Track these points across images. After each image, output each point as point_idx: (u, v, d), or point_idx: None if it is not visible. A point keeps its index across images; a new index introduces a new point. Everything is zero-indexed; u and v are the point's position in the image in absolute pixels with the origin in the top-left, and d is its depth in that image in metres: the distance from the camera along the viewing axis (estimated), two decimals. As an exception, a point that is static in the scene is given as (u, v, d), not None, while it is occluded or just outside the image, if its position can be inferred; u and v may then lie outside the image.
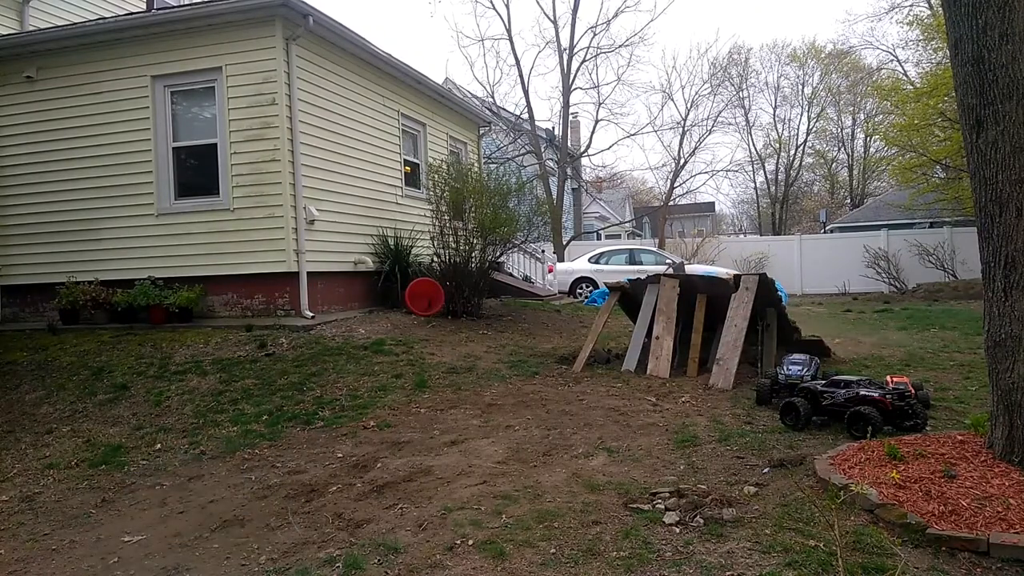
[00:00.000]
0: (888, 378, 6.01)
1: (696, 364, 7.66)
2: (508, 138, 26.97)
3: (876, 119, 36.71)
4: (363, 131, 11.11)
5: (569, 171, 28.25)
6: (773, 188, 41.87)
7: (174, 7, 12.12)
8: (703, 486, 4.29)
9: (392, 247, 11.05)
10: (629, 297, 8.93)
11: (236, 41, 9.30)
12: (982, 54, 4.12)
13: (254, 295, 9.57)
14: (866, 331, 10.98)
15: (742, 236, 39.52)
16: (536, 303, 13.61)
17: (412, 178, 12.77)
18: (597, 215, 38.01)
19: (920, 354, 8.67)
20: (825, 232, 32.95)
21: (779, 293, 8.99)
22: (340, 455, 5.42)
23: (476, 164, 15.31)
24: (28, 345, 8.84)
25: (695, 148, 31.68)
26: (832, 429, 5.36)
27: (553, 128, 29.11)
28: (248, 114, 9.25)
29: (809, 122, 40.72)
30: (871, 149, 40.59)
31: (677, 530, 3.71)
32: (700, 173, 48.83)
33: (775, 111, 40.58)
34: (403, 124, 12.45)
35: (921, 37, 24.03)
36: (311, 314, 9.32)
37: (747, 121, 39.87)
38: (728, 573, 3.23)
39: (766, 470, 4.55)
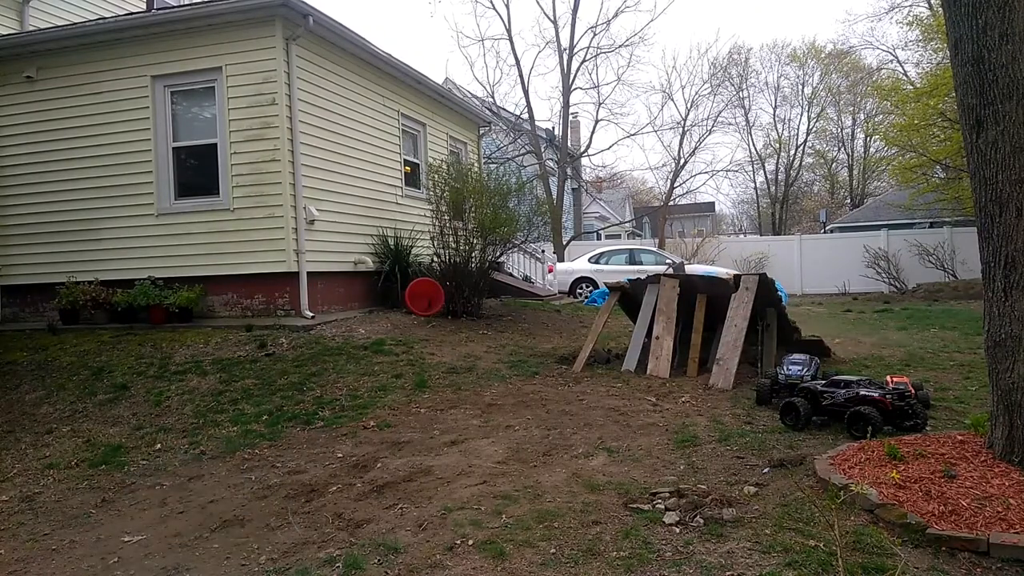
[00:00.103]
0: (888, 378, 6.01)
1: (696, 364, 7.66)
2: (508, 138, 26.97)
3: (876, 119, 36.74)
4: (363, 131, 11.11)
5: (569, 171, 28.25)
6: (773, 188, 41.87)
7: (174, 7, 12.12)
8: (703, 486, 4.29)
9: (392, 247, 11.05)
10: (629, 297, 8.93)
11: (236, 41, 9.30)
12: (982, 54, 4.11)
13: (254, 295, 9.57)
14: (866, 331, 10.98)
15: (742, 236, 39.52)
16: (536, 303, 13.61)
17: (412, 178, 12.77)
18: (597, 215, 38.02)
19: (920, 354, 8.67)
20: (825, 232, 32.96)
21: (779, 293, 8.99)
22: (340, 455, 5.42)
23: (476, 164, 15.32)
24: (28, 345, 8.84)
25: (695, 148, 31.74)
26: (832, 429, 5.36)
27: (553, 128, 29.12)
28: (248, 114, 9.25)
29: (809, 122, 40.80)
30: (871, 149, 40.61)
31: (677, 530, 3.71)
32: (700, 173, 48.93)
33: (775, 111, 40.67)
34: (403, 124, 12.45)
35: (921, 37, 24.04)
36: (311, 314, 9.33)
37: (747, 121, 39.96)
38: (728, 573, 3.23)
39: (766, 470, 4.55)
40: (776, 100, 40.42)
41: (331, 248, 10.08)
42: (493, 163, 22.05)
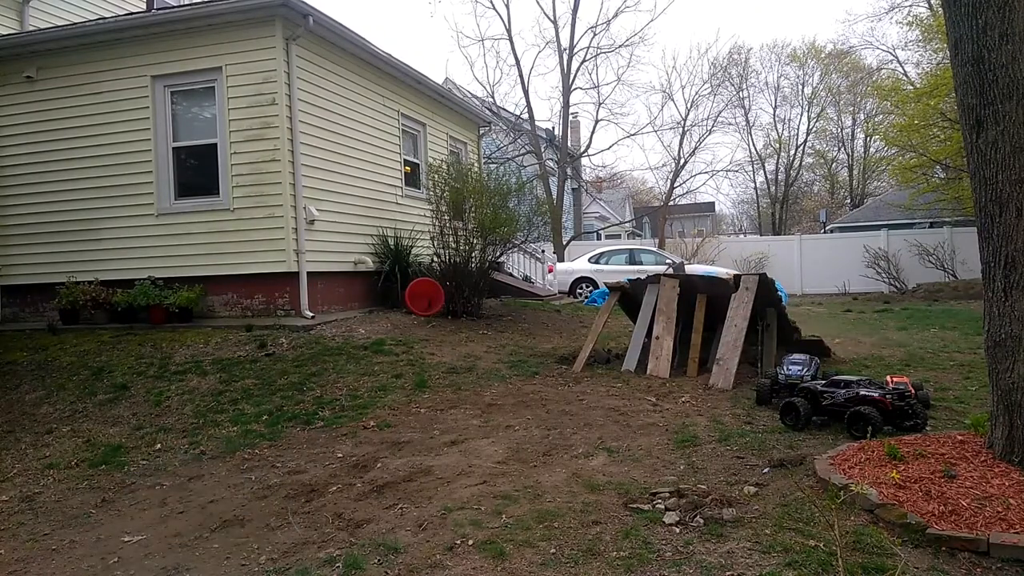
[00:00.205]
0: (888, 378, 6.01)
1: (696, 364, 7.66)
2: (508, 138, 26.97)
3: (876, 119, 36.75)
4: (363, 131, 11.11)
5: (569, 171, 28.25)
6: (773, 188, 41.87)
7: (174, 7, 12.12)
8: (703, 486, 4.29)
9: (392, 247, 11.05)
10: (629, 297, 8.93)
11: (236, 41, 9.30)
12: (982, 54, 4.11)
13: (254, 295, 9.57)
14: (866, 331, 10.98)
15: (742, 236, 39.52)
16: (536, 303, 13.61)
17: (412, 178, 12.77)
18: (597, 215, 38.02)
19: (920, 354, 8.67)
20: (825, 232, 32.96)
21: (779, 293, 8.99)
22: (340, 455, 5.42)
23: (476, 164, 15.32)
24: (28, 345, 8.84)
25: (695, 148, 31.72)
26: (832, 429, 5.36)
27: (553, 128, 29.12)
28: (248, 114, 9.25)
29: (809, 122, 40.80)
30: (871, 149, 40.62)
31: (677, 530, 3.71)
32: (700, 173, 48.93)
33: (775, 111, 40.67)
34: (403, 124, 12.45)
35: (921, 37, 24.04)
36: (311, 314, 9.33)
37: (747, 121, 39.95)
38: (728, 573, 3.23)
39: (766, 470, 4.55)
40: (776, 100, 40.49)
41: (331, 248, 10.08)
42: (493, 163, 22.05)
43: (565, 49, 26.60)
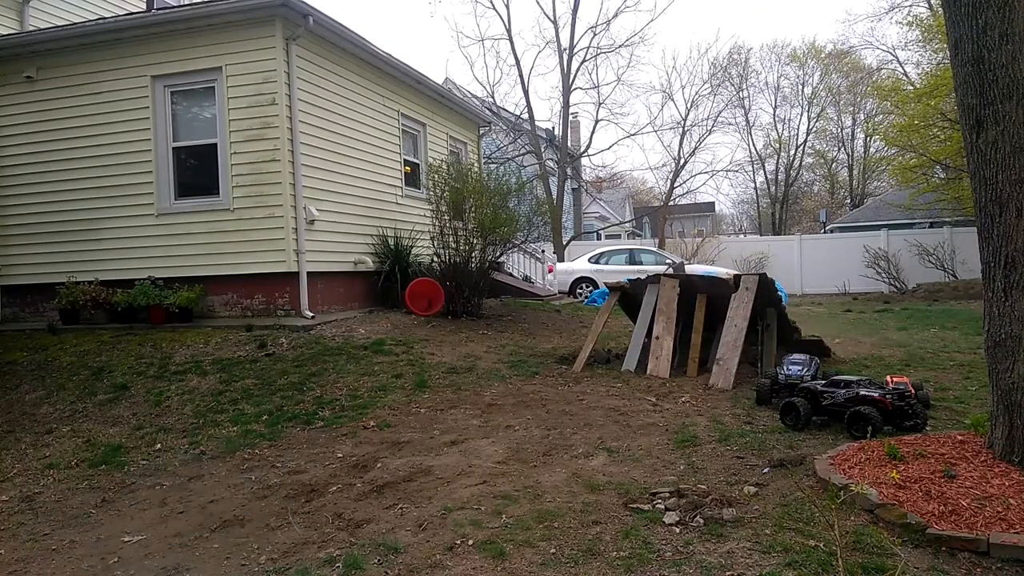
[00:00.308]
0: (888, 378, 6.01)
1: (696, 364, 7.66)
2: (508, 138, 26.97)
3: (876, 119, 36.75)
4: (363, 131, 11.11)
5: (569, 171, 28.25)
6: (773, 188, 41.87)
7: (174, 7, 12.12)
8: (703, 486, 4.29)
9: (392, 247, 11.05)
10: (629, 297, 8.93)
11: (236, 41, 9.30)
12: (982, 54, 4.12)
13: (254, 295, 9.57)
14: (866, 331, 10.98)
15: (742, 236, 39.52)
16: (536, 303, 13.61)
17: (412, 178, 12.77)
18: (597, 215, 38.02)
19: (920, 354, 8.67)
20: (825, 232, 32.96)
21: (779, 293, 8.99)
22: (340, 455, 5.42)
23: (476, 164, 15.32)
24: (28, 345, 8.84)
25: (695, 148, 31.73)
26: (832, 429, 5.36)
27: (553, 128, 29.12)
28: (248, 114, 9.25)
29: (809, 122, 40.80)
30: (871, 149, 40.62)
31: (677, 530, 3.71)
32: (700, 173, 48.93)
33: (775, 111, 40.67)
34: (403, 124, 12.45)
35: (921, 37, 24.03)
36: (311, 314, 9.33)
37: (747, 121, 39.96)
38: (728, 573, 3.23)
39: (766, 470, 4.55)
40: (776, 100, 40.49)
41: (331, 248, 10.08)
42: (493, 163, 22.05)
43: (565, 49, 26.62)
